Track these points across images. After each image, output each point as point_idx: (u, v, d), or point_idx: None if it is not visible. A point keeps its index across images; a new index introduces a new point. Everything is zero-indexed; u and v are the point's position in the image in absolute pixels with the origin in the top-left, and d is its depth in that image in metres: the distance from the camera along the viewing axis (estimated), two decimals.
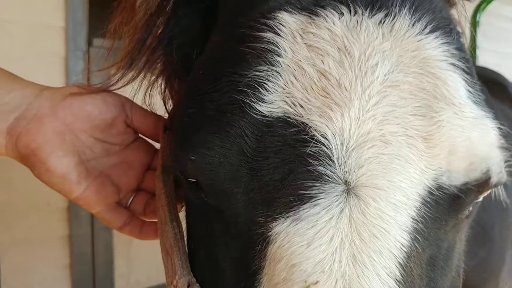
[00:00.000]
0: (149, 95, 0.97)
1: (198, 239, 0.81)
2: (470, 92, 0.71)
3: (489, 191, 0.74)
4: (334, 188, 0.62)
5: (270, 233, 0.64)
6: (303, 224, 0.61)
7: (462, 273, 0.87)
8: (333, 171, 0.62)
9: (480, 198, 0.74)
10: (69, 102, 0.84)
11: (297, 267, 0.60)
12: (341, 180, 0.62)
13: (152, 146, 0.97)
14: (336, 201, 0.61)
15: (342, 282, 0.59)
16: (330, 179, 0.62)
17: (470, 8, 5.01)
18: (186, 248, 0.82)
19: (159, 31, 0.89)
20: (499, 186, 0.76)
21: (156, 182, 0.88)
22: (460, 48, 0.73)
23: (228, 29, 0.75)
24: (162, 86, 0.98)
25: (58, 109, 0.83)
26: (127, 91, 0.94)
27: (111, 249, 3.64)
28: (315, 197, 0.61)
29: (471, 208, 0.75)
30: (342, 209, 0.61)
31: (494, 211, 1.63)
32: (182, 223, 0.86)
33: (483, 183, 0.69)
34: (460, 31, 0.80)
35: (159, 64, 0.94)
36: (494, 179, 0.70)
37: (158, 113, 0.97)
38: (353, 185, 0.62)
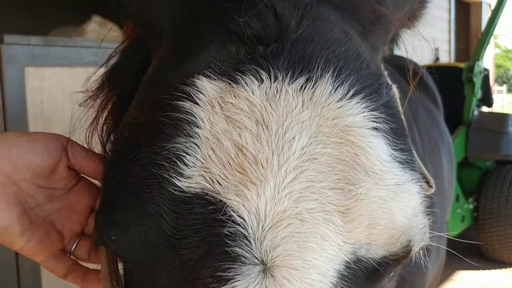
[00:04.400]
0: (91, 134, 0.96)
1: None
2: (394, 154, 0.69)
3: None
4: (251, 269, 0.62)
5: None
6: None
7: None
8: (249, 252, 0.62)
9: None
10: (8, 151, 0.82)
11: None
12: (258, 260, 0.62)
13: (95, 186, 0.95)
14: (253, 282, 0.62)
15: None
16: (247, 260, 0.62)
17: None
18: None
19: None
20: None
21: None
22: (387, 104, 0.71)
23: (149, 90, 0.74)
24: (101, 126, 0.97)
25: None
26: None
27: (39, 275, 3.51)
28: (233, 279, 0.61)
29: (391, 275, 0.74)
30: None
31: None
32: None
33: (403, 257, 0.69)
34: (390, 82, 0.79)
35: (101, 100, 0.95)
36: (415, 250, 0.70)
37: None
38: (270, 265, 0.62)
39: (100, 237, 0.70)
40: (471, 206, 4.94)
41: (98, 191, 0.95)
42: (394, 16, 0.82)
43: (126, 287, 0.84)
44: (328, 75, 0.67)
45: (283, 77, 0.66)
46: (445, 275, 4.77)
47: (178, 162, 0.64)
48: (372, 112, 0.68)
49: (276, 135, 0.64)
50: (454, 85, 4.71)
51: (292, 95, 0.66)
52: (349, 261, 0.65)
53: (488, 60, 10.57)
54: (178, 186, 0.63)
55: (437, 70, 4.62)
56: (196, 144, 0.64)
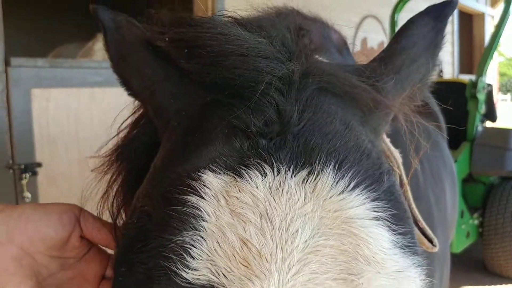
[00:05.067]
0: (102, 207, 0.99)
1: None
2: (395, 240, 0.71)
3: None
4: None
5: None
6: None
7: None
8: None
9: None
10: (24, 225, 0.85)
11: None
12: None
13: (106, 253, 0.97)
14: None
15: None
16: None
17: (390, 8, 5.27)
18: None
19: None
20: None
21: None
22: (388, 190, 0.74)
23: (157, 182, 0.76)
24: (111, 201, 0.99)
25: (14, 235, 0.84)
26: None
27: None
28: None
29: None
30: None
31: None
32: None
33: None
34: (391, 168, 0.80)
35: (111, 174, 0.97)
36: None
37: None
38: None
39: None
40: (476, 222, 4.92)
41: (109, 258, 0.97)
42: (394, 103, 0.84)
43: None
44: (329, 168, 0.69)
45: (285, 170, 0.69)
46: None
47: (185, 255, 0.65)
48: (373, 203, 0.70)
49: (280, 228, 0.66)
50: (457, 101, 4.71)
51: (295, 188, 0.68)
52: None
53: (491, 69, 10.56)
54: (185, 278, 0.65)
55: (440, 85, 4.65)
56: (202, 237, 0.66)
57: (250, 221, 0.66)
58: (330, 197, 0.68)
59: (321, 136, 0.72)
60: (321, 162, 0.69)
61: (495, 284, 4.95)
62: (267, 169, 0.69)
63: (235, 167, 0.69)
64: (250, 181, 0.68)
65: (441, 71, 8.52)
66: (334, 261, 0.66)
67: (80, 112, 3.54)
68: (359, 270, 0.66)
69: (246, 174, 0.69)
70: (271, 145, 0.70)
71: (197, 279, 0.65)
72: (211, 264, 0.65)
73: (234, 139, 0.71)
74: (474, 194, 4.98)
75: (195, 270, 0.65)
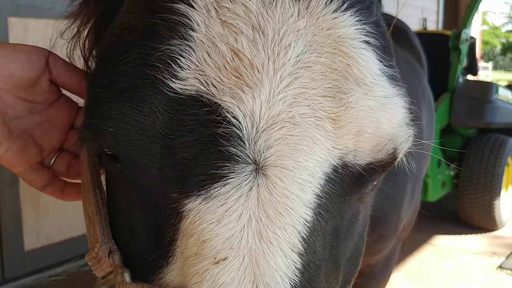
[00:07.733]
0: (73, 49, 0.95)
1: (117, 205, 0.82)
2: (383, 69, 0.72)
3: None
4: (244, 168, 0.64)
5: (182, 209, 0.66)
6: (213, 202, 0.64)
7: (366, 235, 0.93)
8: (243, 152, 0.63)
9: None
10: None
11: (207, 243, 0.64)
12: (251, 160, 0.64)
13: (76, 103, 0.95)
14: (246, 180, 0.64)
15: (249, 257, 0.63)
16: (240, 159, 0.64)
17: None
18: (107, 214, 0.83)
19: None
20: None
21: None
22: (377, 22, 0.74)
23: None
24: (83, 41, 0.96)
25: None
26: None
27: (19, 204, 3.53)
28: (226, 176, 0.64)
29: (375, 183, 0.78)
30: (251, 188, 0.64)
31: None
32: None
33: (389, 164, 0.73)
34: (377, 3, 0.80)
35: (84, 15, 0.94)
36: (400, 157, 0.75)
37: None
38: (262, 165, 0.64)
39: (95, 131, 0.70)
40: (452, 173, 5.03)
41: (79, 108, 0.96)
42: None
43: (108, 197, 0.85)
44: None
45: None
46: (424, 239, 4.89)
47: (172, 64, 0.64)
48: (364, 26, 0.70)
49: (273, 41, 0.66)
50: (440, 52, 4.73)
51: (288, 4, 0.67)
52: (336, 165, 0.68)
53: (475, 36, 10.56)
54: (172, 88, 0.64)
55: (424, 36, 4.64)
56: (190, 47, 0.65)
57: (242, 32, 0.65)
58: (324, 15, 0.68)
59: None
60: None
61: (466, 234, 5.12)
62: None
63: None
64: None
65: (425, 28, 8.52)
66: (324, 78, 0.67)
67: (60, 45, 3.45)
68: (348, 90, 0.68)
69: None
70: None
71: (185, 89, 0.64)
72: (200, 74, 0.64)
73: None
74: (451, 145, 5.07)
75: (183, 80, 0.64)
